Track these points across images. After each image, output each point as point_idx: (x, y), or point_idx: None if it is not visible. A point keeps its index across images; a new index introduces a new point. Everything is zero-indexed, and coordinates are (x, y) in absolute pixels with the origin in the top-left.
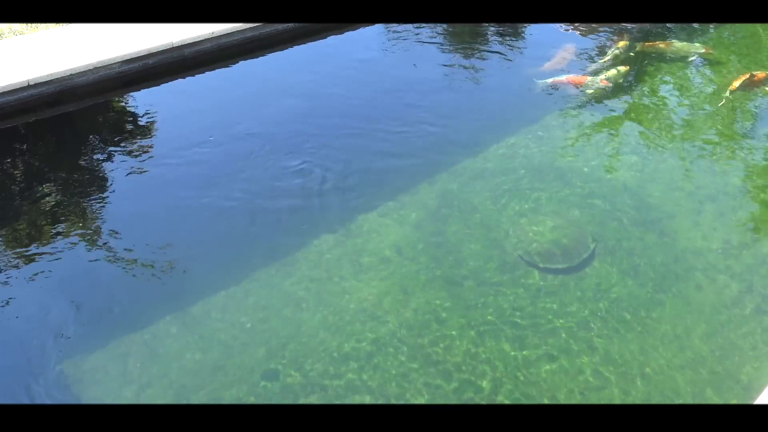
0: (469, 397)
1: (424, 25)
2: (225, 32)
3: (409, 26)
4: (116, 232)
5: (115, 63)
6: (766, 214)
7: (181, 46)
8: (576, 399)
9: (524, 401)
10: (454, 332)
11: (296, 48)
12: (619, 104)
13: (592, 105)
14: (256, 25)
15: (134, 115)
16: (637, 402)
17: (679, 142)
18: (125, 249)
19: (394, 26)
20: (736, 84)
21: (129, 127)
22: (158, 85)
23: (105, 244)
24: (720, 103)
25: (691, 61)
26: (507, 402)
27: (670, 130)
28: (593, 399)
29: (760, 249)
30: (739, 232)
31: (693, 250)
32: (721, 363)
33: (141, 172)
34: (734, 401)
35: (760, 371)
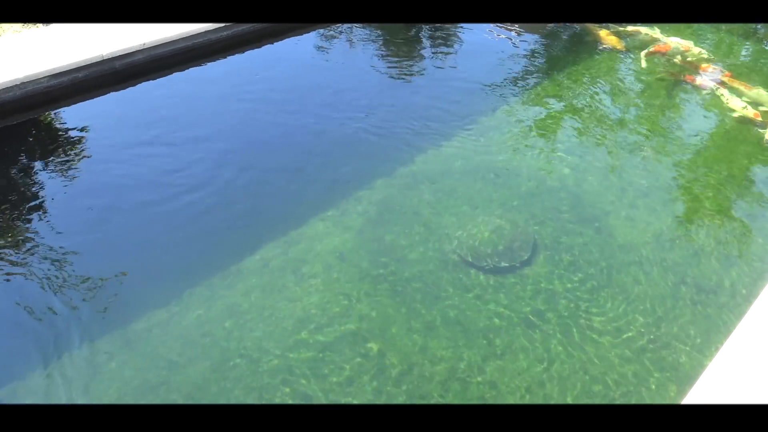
0: (418, 401)
1: (358, 27)
2: (157, 43)
3: (344, 29)
4: (49, 249)
5: (43, 78)
6: (695, 206)
7: (112, 58)
8: (522, 395)
9: (472, 401)
10: (400, 337)
11: (231, 58)
12: (552, 104)
13: (524, 106)
14: (188, 35)
15: (65, 131)
16: (582, 396)
17: (613, 139)
18: (59, 266)
19: (330, 29)
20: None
21: (60, 142)
22: (90, 99)
23: (37, 261)
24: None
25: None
26: (456, 402)
27: (603, 129)
28: (539, 395)
29: (691, 240)
30: (672, 225)
31: (629, 244)
32: (661, 354)
33: (74, 188)
34: (674, 390)
35: (697, 359)
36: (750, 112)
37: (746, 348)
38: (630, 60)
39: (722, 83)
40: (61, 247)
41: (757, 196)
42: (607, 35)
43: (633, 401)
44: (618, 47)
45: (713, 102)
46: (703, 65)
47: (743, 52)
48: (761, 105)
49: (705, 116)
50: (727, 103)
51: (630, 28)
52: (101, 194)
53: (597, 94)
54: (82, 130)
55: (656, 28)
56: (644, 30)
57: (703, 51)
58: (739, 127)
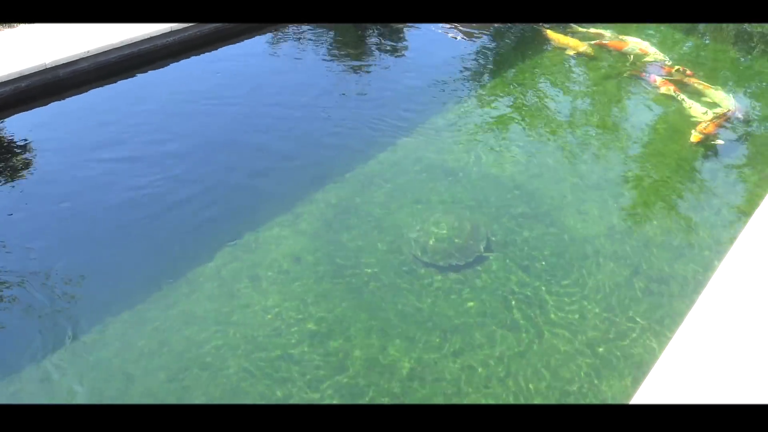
0: (380, 400)
1: (308, 30)
2: (101, 50)
3: (292, 32)
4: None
5: None
6: (645, 198)
7: (55, 66)
8: (481, 393)
9: (435, 398)
10: (358, 338)
11: (179, 63)
12: (504, 102)
13: (477, 104)
14: (134, 41)
15: (10, 140)
16: (543, 389)
17: (562, 135)
18: (9, 277)
19: (280, 31)
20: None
21: (5, 151)
22: (34, 108)
23: None
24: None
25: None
26: (419, 399)
27: (553, 125)
28: (499, 390)
29: (642, 232)
30: (622, 217)
31: (582, 238)
32: (616, 344)
33: (24, 198)
34: (629, 379)
35: (650, 348)
36: (710, 118)
37: (697, 335)
38: (582, 59)
39: (682, 85)
40: (6, 258)
41: (702, 189)
42: (556, 34)
43: (591, 392)
44: (571, 46)
45: (664, 99)
46: (665, 67)
47: (685, 48)
48: (716, 104)
49: (655, 113)
50: (689, 108)
51: (593, 30)
52: (52, 203)
53: (548, 91)
54: (27, 138)
55: (609, 31)
56: (600, 29)
57: (659, 52)
58: (688, 124)
